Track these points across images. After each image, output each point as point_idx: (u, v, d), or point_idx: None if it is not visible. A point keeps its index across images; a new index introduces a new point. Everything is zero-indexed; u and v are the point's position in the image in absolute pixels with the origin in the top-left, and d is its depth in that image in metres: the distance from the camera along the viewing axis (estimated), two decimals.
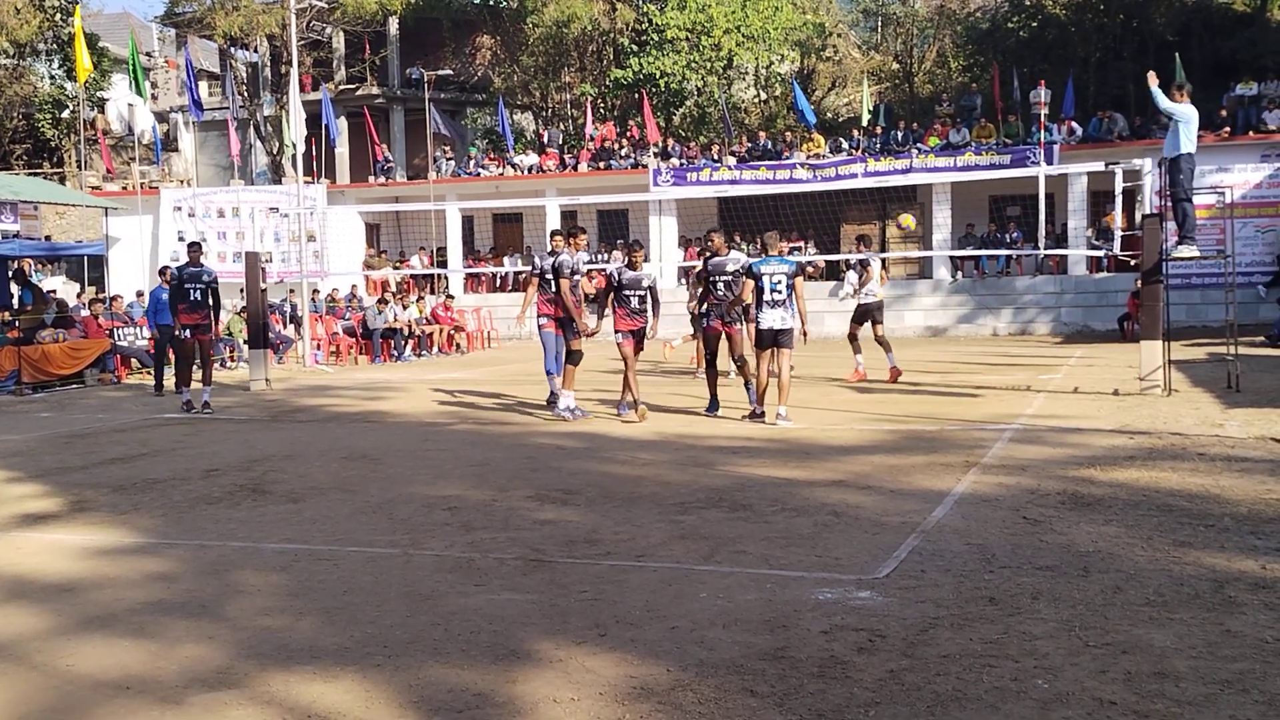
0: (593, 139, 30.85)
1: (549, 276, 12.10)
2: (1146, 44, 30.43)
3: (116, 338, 19.17)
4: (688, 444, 9.96)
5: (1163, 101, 12.17)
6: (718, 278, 11.94)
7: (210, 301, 13.95)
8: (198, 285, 13.74)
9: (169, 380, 16.80)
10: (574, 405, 11.83)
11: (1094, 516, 6.54)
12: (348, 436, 11.19)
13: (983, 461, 8.53)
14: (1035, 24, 33.29)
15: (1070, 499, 7.04)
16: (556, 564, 5.85)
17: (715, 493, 7.61)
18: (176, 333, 13.94)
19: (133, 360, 19.23)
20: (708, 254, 12.40)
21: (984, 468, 8.27)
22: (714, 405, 11.90)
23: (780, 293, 11.03)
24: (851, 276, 15.68)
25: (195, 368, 13.85)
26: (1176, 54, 25.68)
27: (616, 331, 11.71)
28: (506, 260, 30.45)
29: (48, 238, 30.44)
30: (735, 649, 4.46)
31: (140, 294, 23.54)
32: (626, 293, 11.56)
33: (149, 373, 17.56)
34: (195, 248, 14.31)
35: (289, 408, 14.10)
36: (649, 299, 11.81)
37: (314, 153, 28.71)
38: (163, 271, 17.91)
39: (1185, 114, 12.13)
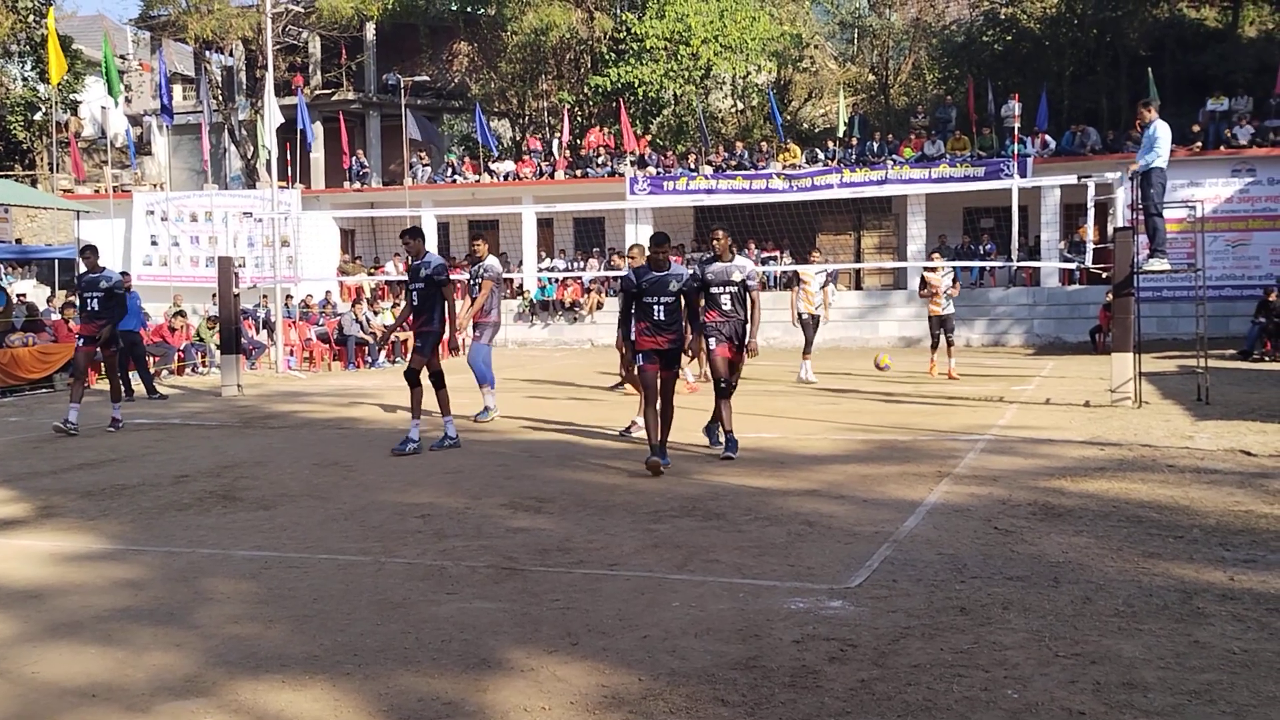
0: (578, 145, 30.85)
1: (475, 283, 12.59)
2: (1119, 59, 30.78)
3: None
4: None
5: (1151, 128, 12.29)
6: (722, 288, 9.70)
7: (113, 309, 12.60)
8: (95, 294, 12.48)
9: (137, 385, 16.70)
10: (451, 434, 10.45)
11: (1064, 527, 6.58)
12: (320, 443, 11.13)
13: (955, 471, 8.56)
14: (1010, 38, 33.61)
15: (1041, 510, 7.08)
16: (529, 572, 5.83)
17: (689, 501, 7.60)
18: (79, 345, 12.84)
19: (102, 365, 19.04)
20: (703, 258, 10.22)
21: (956, 478, 8.31)
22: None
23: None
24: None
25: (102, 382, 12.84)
26: (1149, 69, 25.96)
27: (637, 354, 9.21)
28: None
29: (18, 240, 30.17)
30: (707, 658, 4.46)
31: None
32: (647, 300, 9.04)
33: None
34: (90, 252, 12.80)
35: (261, 414, 14.01)
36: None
37: (289, 158, 28.61)
38: (123, 276, 17.73)
39: (1161, 130, 12.27)
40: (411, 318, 10.50)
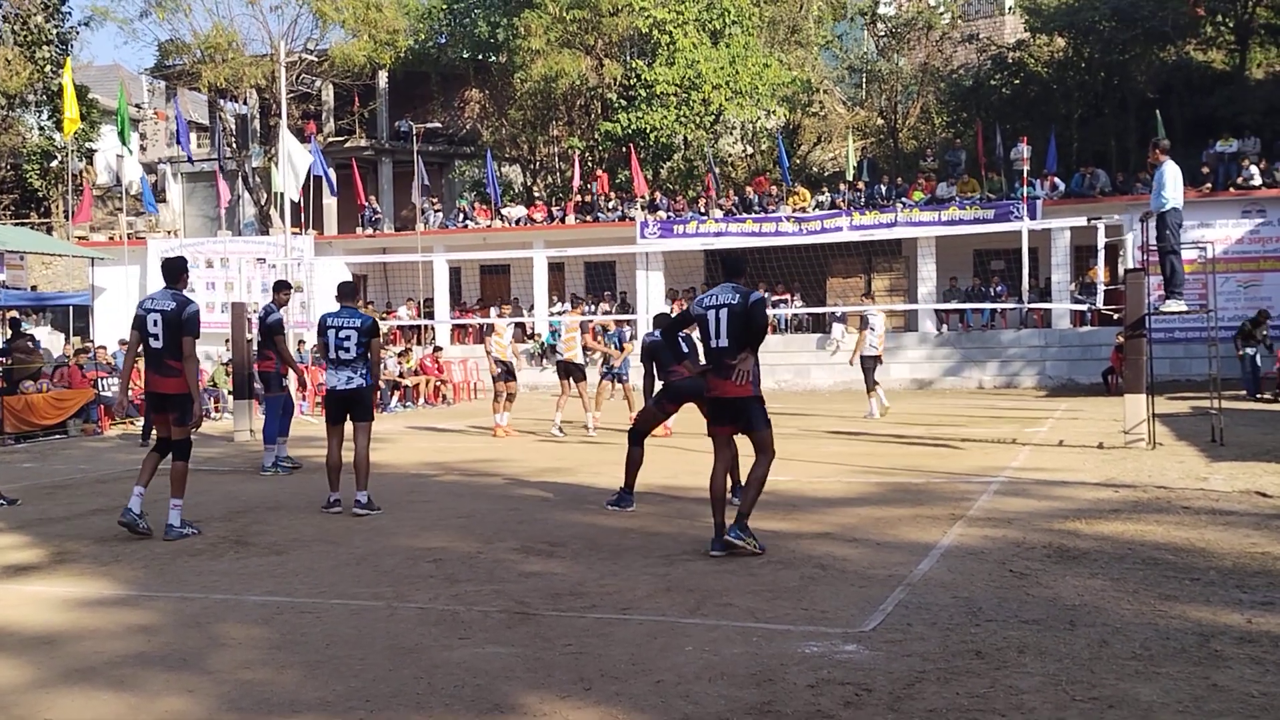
0: (587, 189, 30.97)
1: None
2: (1127, 101, 30.92)
3: (100, 388, 19.10)
4: (673, 495, 9.93)
5: (1160, 170, 12.36)
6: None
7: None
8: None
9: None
10: (181, 523, 8.43)
11: (1080, 570, 6.54)
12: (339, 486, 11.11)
13: (969, 514, 8.53)
14: (1017, 81, 33.79)
15: (1056, 552, 7.04)
16: (541, 617, 5.82)
17: (701, 544, 7.56)
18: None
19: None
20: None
21: (970, 520, 8.27)
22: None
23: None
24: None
25: None
26: (1157, 111, 26.07)
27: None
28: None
29: (34, 288, 30.41)
30: (721, 703, 4.43)
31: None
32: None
33: (132, 423, 17.47)
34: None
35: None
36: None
37: (302, 204, 28.83)
38: None
39: (1170, 171, 12.32)
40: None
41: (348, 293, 9.90)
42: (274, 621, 5.89)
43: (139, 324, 8.47)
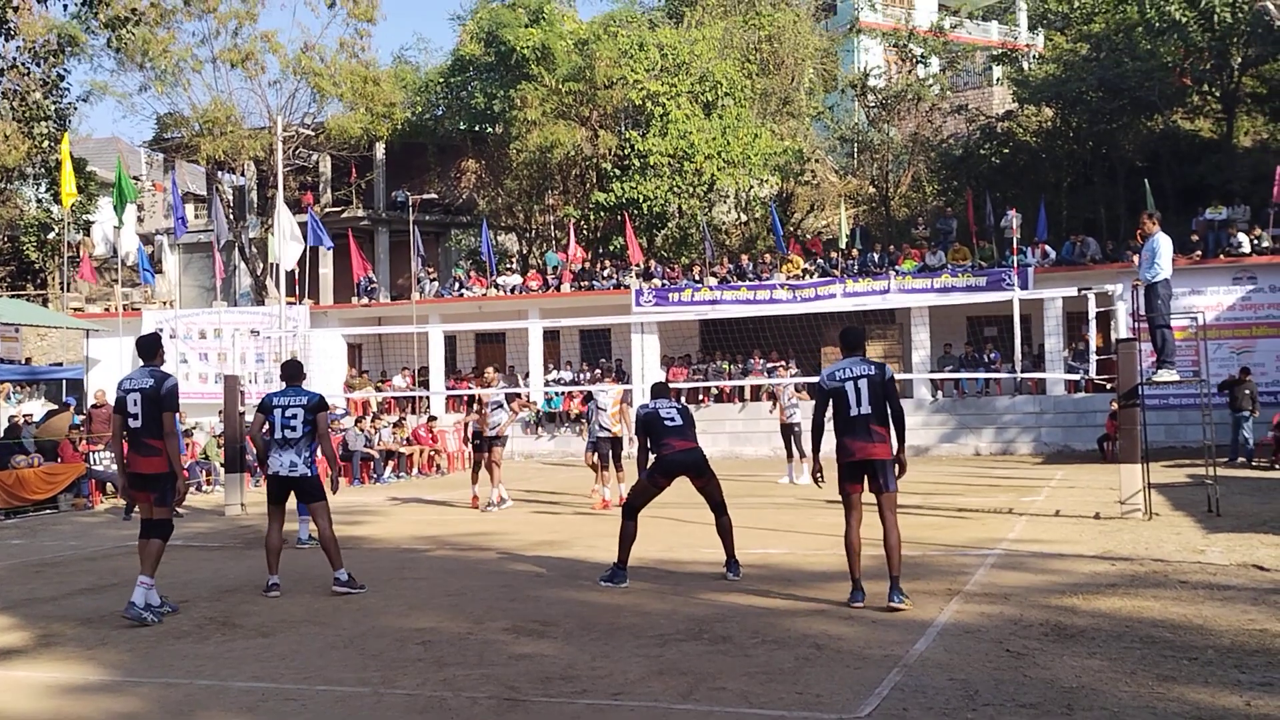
0: (562, 266, 31.07)
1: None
2: (1116, 170, 31.23)
3: (92, 462, 18.99)
4: (667, 570, 9.85)
5: (1152, 240, 12.46)
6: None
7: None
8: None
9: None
10: (153, 602, 8.35)
11: (1077, 649, 6.46)
12: (322, 564, 10.96)
13: (965, 589, 8.45)
14: (1007, 150, 34.16)
15: (1053, 630, 6.97)
16: (531, 703, 5.72)
17: (695, 623, 7.49)
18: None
19: (107, 485, 19.01)
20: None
21: (967, 596, 8.20)
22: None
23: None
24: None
25: None
26: (1145, 180, 26.31)
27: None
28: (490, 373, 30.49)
29: (28, 360, 30.39)
30: None
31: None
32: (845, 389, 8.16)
33: (121, 497, 17.34)
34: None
35: (264, 533, 13.87)
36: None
37: (297, 274, 28.92)
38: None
39: (1163, 242, 12.42)
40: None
41: (293, 373, 9.79)
42: (258, 710, 5.79)
43: (119, 406, 8.48)
